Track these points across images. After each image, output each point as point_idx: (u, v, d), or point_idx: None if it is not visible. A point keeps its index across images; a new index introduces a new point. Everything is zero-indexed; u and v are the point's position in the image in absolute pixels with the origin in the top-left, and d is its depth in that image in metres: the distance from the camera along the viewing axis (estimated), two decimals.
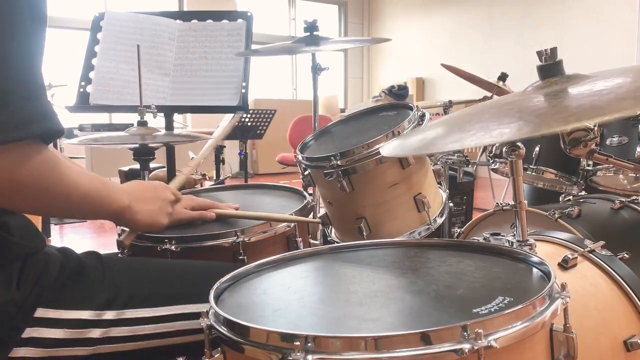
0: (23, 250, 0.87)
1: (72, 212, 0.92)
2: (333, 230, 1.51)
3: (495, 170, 1.95)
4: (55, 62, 5.78)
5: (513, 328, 0.63)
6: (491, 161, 1.90)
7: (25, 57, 0.75)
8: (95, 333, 0.90)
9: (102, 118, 5.47)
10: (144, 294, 0.96)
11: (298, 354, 0.59)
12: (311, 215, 1.38)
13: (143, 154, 1.73)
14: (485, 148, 2.80)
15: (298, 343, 0.60)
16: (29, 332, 0.85)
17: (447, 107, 2.74)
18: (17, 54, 0.74)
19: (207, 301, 0.76)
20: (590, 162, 1.76)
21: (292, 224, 1.27)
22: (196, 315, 0.89)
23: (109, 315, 0.92)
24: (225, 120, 3.66)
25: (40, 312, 0.86)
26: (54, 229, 4.25)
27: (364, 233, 1.35)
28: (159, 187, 1.11)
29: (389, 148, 1.02)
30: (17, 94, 0.72)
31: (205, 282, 0.83)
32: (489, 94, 3.15)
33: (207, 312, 0.73)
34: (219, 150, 3.93)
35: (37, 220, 2.68)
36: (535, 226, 1.46)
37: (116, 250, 1.32)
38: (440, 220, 1.43)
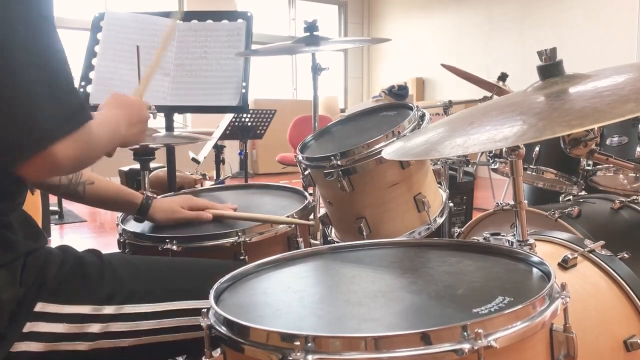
0: (26, 248, 0.88)
1: (99, 157, 0.95)
2: (333, 230, 1.51)
3: (495, 170, 1.95)
4: None
5: (513, 328, 0.63)
6: (491, 161, 1.90)
7: (61, 52, 0.81)
8: (95, 328, 0.91)
9: None
10: (144, 289, 0.97)
11: (298, 354, 0.59)
12: (311, 216, 1.38)
13: (143, 154, 1.74)
14: None
15: (298, 343, 0.60)
16: (30, 327, 0.86)
17: (447, 107, 2.74)
18: (56, 50, 0.80)
19: (207, 297, 0.76)
20: (590, 162, 1.76)
21: (293, 224, 1.27)
22: (196, 312, 0.89)
23: (109, 310, 0.92)
24: (225, 120, 3.66)
25: (40, 307, 0.87)
26: (54, 229, 4.24)
27: (364, 233, 1.35)
28: (140, 106, 1.11)
29: (391, 151, 1.02)
30: (62, 89, 0.80)
31: (206, 279, 0.83)
32: (489, 94, 3.15)
33: (207, 312, 0.73)
34: (219, 150, 3.92)
35: (38, 221, 2.68)
36: (535, 226, 1.46)
37: (117, 250, 1.32)
38: (440, 220, 1.43)
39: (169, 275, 1.03)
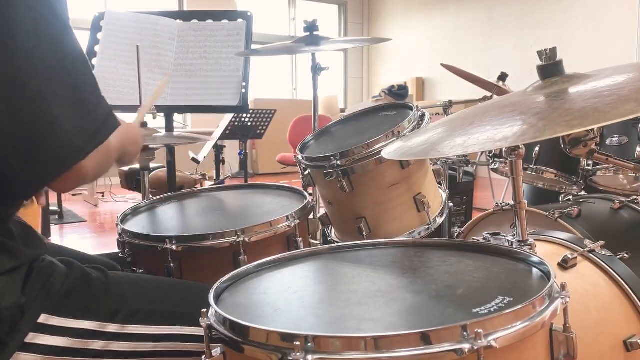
0: (27, 256, 0.88)
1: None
2: (333, 230, 1.51)
3: (495, 170, 1.95)
4: None
5: (513, 328, 0.63)
6: (491, 161, 1.90)
7: (83, 60, 0.84)
8: (97, 345, 0.90)
9: None
10: (148, 310, 0.96)
11: (298, 354, 0.59)
12: (311, 216, 1.38)
13: (143, 154, 1.74)
14: None
15: (298, 343, 0.60)
16: (32, 337, 0.85)
17: (447, 107, 2.73)
18: (78, 60, 0.83)
19: None
20: (590, 162, 1.76)
21: (293, 224, 1.26)
22: (197, 339, 0.89)
23: (112, 328, 0.92)
24: (225, 120, 3.66)
25: (44, 319, 0.86)
26: (54, 229, 4.24)
27: (364, 233, 1.35)
28: (138, 130, 1.16)
29: (391, 151, 1.02)
30: (92, 102, 0.84)
31: (209, 306, 0.83)
32: (488, 94, 3.15)
33: (207, 312, 0.73)
34: (219, 150, 3.92)
35: (38, 222, 2.68)
36: (535, 226, 1.46)
37: (117, 250, 1.32)
38: (440, 220, 1.43)
39: (173, 299, 1.03)
